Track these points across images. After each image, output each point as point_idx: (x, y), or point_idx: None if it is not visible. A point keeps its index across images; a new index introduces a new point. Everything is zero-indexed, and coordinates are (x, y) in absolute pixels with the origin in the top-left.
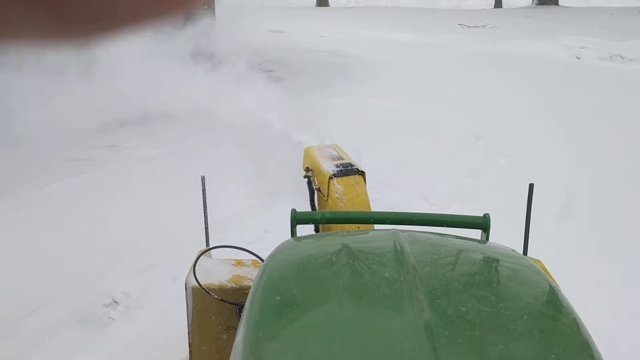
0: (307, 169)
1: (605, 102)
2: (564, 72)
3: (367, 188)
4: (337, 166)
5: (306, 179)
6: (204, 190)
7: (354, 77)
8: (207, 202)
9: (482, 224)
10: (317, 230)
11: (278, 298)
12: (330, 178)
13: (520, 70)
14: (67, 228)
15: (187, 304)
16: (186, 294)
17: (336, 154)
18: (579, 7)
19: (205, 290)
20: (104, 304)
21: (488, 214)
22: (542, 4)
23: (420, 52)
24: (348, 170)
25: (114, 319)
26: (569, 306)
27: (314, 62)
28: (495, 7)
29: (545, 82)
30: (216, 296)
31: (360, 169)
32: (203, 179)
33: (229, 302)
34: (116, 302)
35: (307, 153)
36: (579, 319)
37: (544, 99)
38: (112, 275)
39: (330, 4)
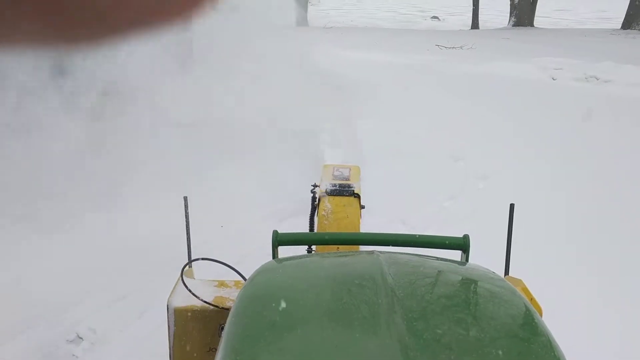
0: (314, 185)
1: (584, 122)
2: (541, 92)
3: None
4: (334, 185)
5: (312, 195)
6: (186, 209)
7: (331, 94)
8: None
9: (462, 244)
10: (310, 249)
11: (256, 322)
12: (322, 195)
13: (498, 91)
14: (32, 258)
15: (168, 327)
16: (167, 315)
17: (346, 174)
18: (554, 29)
19: (195, 295)
20: (67, 340)
21: (467, 235)
22: (518, 25)
23: (399, 73)
24: (342, 191)
25: (77, 357)
26: (544, 328)
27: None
28: (472, 28)
29: (523, 103)
30: (203, 299)
31: (356, 192)
32: (186, 199)
33: (216, 307)
34: (80, 338)
35: (322, 169)
36: (554, 341)
37: (521, 120)
38: (77, 308)
39: (309, 24)
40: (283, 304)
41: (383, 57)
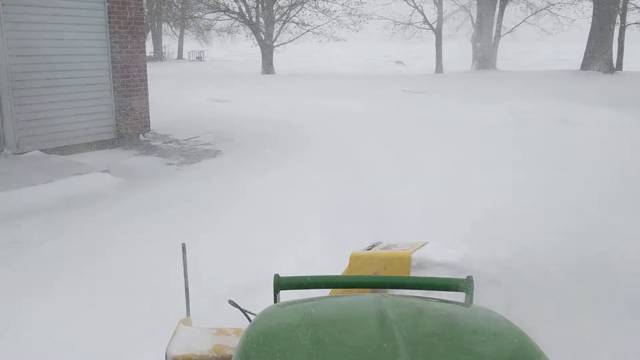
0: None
1: (565, 168)
2: (513, 138)
3: None
4: (368, 246)
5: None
6: (184, 257)
7: (295, 149)
8: None
9: (465, 286)
10: None
11: None
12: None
13: (467, 139)
14: None
15: None
16: None
17: (390, 247)
18: (516, 71)
19: (246, 314)
20: None
21: (471, 276)
22: (481, 68)
23: (363, 121)
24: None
25: None
26: None
27: (256, 133)
28: (436, 72)
29: (495, 151)
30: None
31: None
32: (184, 246)
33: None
34: None
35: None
36: None
37: (493, 170)
38: None
39: (275, 71)
40: (285, 352)
41: (348, 104)
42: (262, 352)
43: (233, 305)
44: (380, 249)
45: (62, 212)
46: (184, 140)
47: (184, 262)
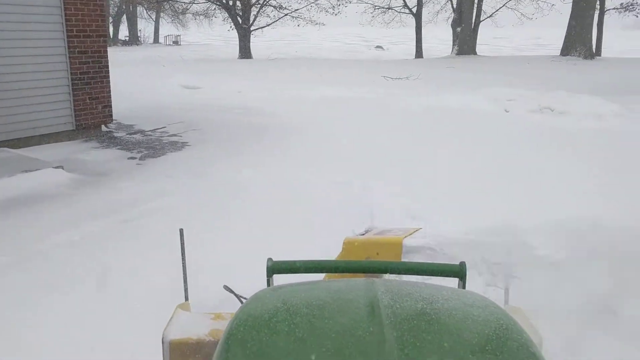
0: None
1: (552, 162)
2: (496, 128)
3: None
4: (362, 232)
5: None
6: (182, 241)
7: (269, 141)
8: None
9: (458, 272)
10: None
11: (243, 353)
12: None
13: (451, 129)
14: None
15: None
16: (163, 349)
17: (380, 232)
18: (496, 57)
19: (237, 296)
20: None
21: (464, 262)
22: (461, 54)
23: (344, 109)
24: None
25: None
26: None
27: (228, 123)
28: (416, 57)
29: (479, 143)
30: (235, 292)
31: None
32: (181, 231)
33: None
34: None
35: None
36: None
37: (479, 165)
38: None
39: (253, 56)
40: (271, 335)
41: (327, 91)
42: (248, 333)
43: (228, 290)
44: (374, 235)
45: (0, 216)
46: (150, 131)
47: (181, 248)
